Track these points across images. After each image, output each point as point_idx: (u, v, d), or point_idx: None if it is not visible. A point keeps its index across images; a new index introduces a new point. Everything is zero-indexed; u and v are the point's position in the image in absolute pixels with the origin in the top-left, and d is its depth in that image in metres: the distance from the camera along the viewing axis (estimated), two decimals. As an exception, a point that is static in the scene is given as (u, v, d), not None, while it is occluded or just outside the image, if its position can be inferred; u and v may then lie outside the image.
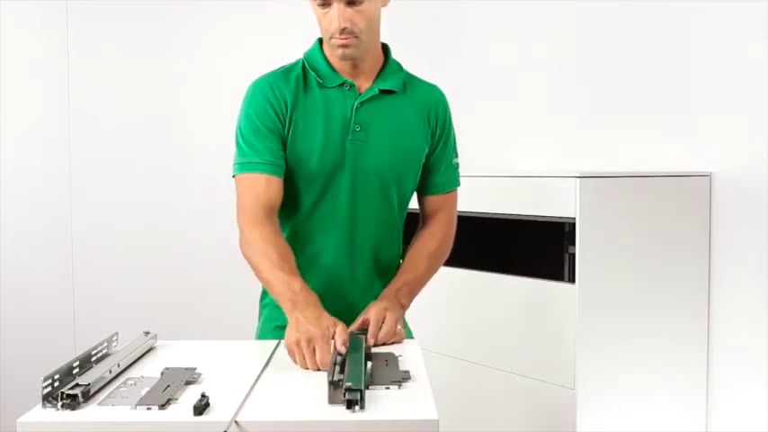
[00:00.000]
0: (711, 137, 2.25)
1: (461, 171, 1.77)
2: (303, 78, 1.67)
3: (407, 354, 1.42)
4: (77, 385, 1.16)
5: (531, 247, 2.16)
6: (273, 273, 1.50)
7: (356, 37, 1.58)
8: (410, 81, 1.74)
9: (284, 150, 1.61)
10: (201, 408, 1.09)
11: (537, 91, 2.73)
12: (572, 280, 1.93)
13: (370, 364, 1.32)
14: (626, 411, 2.05)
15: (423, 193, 1.75)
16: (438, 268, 1.74)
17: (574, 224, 1.93)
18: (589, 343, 1.95)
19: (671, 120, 2.34)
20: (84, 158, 3.37)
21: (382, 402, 1.14)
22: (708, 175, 2.24)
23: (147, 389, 1.20)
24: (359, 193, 1.65)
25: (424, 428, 1.07)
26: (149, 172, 3.37)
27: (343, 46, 1.59)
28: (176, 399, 1.16)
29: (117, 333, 1.49)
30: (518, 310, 2.09)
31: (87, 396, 1.15)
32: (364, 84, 1.67)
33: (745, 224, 2.19)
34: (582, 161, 2.57)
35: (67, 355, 3.54)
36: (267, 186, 1.58)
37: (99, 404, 1.15)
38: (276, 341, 1.58)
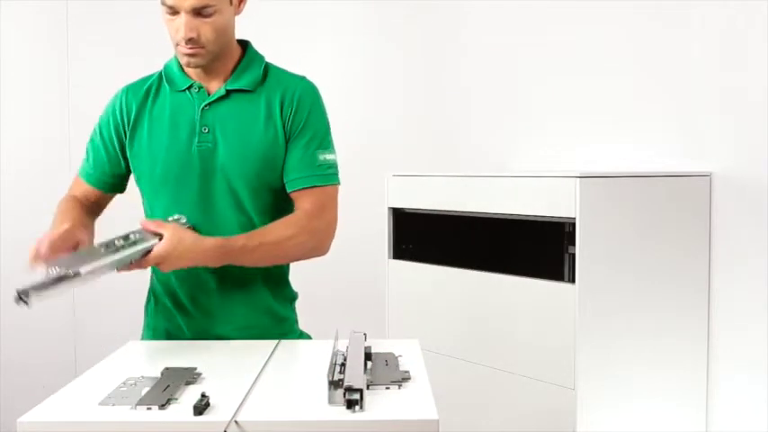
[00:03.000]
0: (711, 137, 2.25)
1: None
2: (157, 85, 1.68)
3: (407, 354, 1.42)
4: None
5: (531, 247, 2.16)
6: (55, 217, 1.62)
7: (202, 47, 1.56)
8: (272, 75, 1.68)
9: (122, 163, 1.70)
10: (201, 408, 1.09)
11: (537, 91, 2.73)
12: (572, 280, 1.93)
13: (370, 364, 1.32)
14: (626, 411, 2.05)
15: (286, 189, 1.66)
16: (281, 260, 1.65)
17: (574, 224, 1.93)
18: (589, 343, 1.95)
19: (671, 120, 2.34)
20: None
21: (382, 402, 1.14)
22: (708, 175, 2.24)
23: (147, 389, 1.20)
24: (211, 199, 1.62)
25: (424, 428, 1.07)
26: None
27: (189, 55, 1.57)
28: (176, 399, 1.16)
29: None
30: (518, 310, 2.09)
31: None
32: (216, 85, 1.65)
33: (745, 224, 2.19)
34: (582, 161, 2.57)
35: (68, 355, 3.55)
36: (85, 191, 1.74)
37: (99, 404, 1.15)
38: (276, 341, 1.58)
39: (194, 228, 1.57)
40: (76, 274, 1.29)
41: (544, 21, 2.69)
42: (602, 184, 1.99)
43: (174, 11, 1.54)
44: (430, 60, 3.05)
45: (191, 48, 1.56)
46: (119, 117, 1.69)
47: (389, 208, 2.47)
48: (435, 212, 2.34)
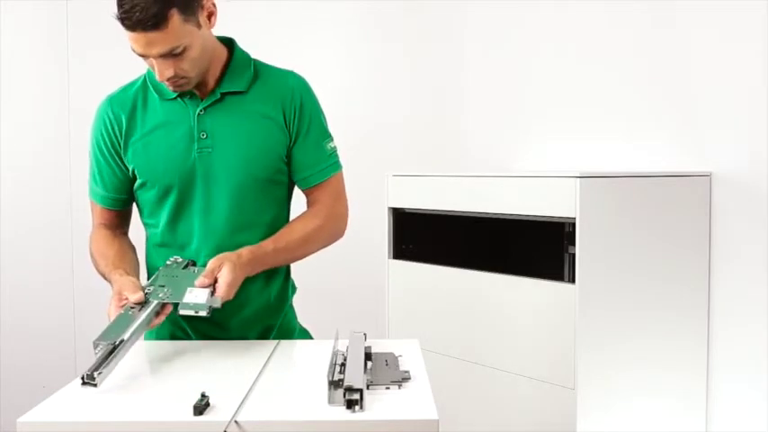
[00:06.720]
0: (711, 137, 2.25)
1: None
2: (143, 93, 1.65)
3: (407, 354, 1.42)
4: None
5: (531, 247, 2.16)
6: (107, 268, 1.60)
7: (184, 77, 1.54)
8: (261, 73, 1.67)
9: (126, 173, 1.66)
10: (201, 408, 1.09)
11: (537, 91, 2.73)
12: (572, 280, 1.93)
13: (370, 364, 1.32)
14: (626, 411, 2.05)
15: (298, 186, 1.72)
16: (309, 252, 1.69)
17: (574, 224, 1.93)
18: (589, 343, 1.95)
19: (671, 120, 2.34)
20: (84, 159, 3.35)
21: (382, 402, 1.14)
22: (708, 175, 2.24)
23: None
24: (216, 203, 1.61)
25: (424, 428, 1.07)
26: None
27: (173, 86, 1.56)
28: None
29: None
30: (518, 311, 2.09)
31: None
32: (207, 89, 1.62)
33: (745, 224, 2.19)
34: (582, 161, 2.57)
35: (68, 355, 3.54)
36: (109, 216, 1.72)
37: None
38: (276, 341, 1.58)
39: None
40: (121, 342, 1.30)
41: (545, 21, 2.69)
42: (602, 184, 2.00)
43: (145, 56, 1.52)
44: (430, 60, 3.05)
45: (173, 82, 1.55)
46: (111, 131, 1.65)
47: (389, 208, 2.47)
48: (435, 212, 2.34)
